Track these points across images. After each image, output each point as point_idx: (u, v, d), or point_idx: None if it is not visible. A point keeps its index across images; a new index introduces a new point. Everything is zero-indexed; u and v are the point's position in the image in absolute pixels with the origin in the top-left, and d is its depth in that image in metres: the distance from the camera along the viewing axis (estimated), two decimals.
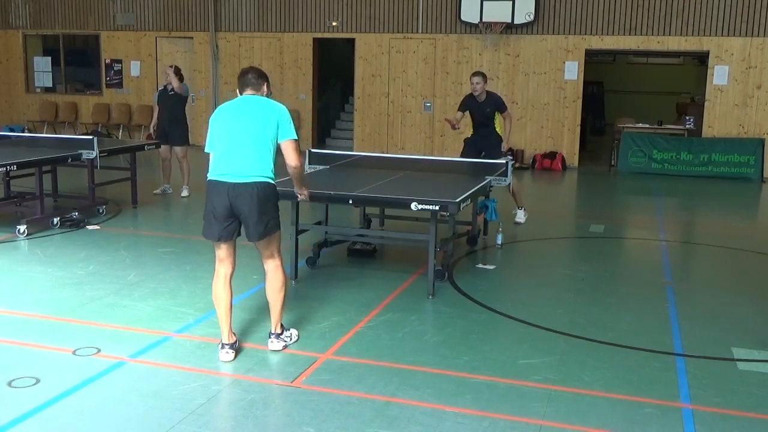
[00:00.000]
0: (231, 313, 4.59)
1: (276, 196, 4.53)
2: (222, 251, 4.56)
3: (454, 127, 8.33)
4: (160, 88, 10.42)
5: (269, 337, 4.68)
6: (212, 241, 4.55)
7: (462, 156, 8.58)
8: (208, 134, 4.59)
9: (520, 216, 8.91)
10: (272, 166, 4.47)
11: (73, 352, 4.53)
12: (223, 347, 4.51)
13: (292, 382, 4.20)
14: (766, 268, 7.52)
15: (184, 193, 10.29)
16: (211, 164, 4.50)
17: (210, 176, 4.49)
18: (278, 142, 4.47)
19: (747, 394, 4.25)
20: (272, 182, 4.47)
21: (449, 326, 5.26)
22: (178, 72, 10.02)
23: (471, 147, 8.60)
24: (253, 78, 4.61)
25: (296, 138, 4.51)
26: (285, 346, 4.67)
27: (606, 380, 4.36)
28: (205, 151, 4.61)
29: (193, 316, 5.29)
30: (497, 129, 8.56)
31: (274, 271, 4.59)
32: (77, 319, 5.17)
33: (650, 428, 3.79)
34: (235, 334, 4.62)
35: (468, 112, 8.61)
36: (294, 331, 4.85)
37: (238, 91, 4.71)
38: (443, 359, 4.62)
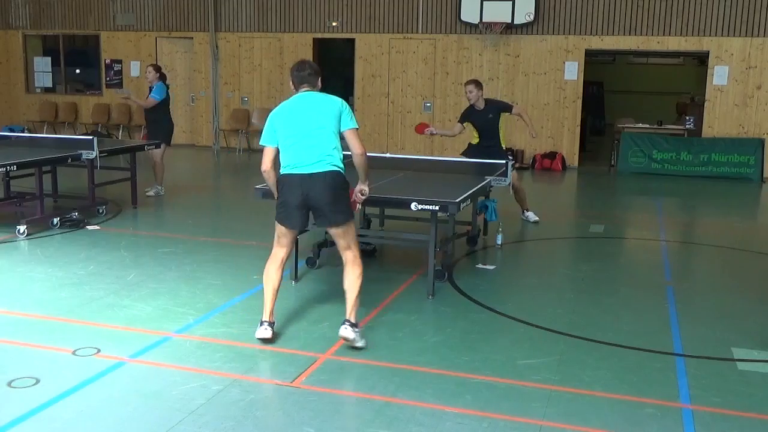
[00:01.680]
0: (276, 295, 4.79)
1: (347, 185, 4.74)
2: (287, 238, 4.82)
3: (422, 132, 8.23)
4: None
5: (343, 324, 4.64)
6: (285, 226, 4.76)
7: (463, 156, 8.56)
8: (268, 129, 4.77)
9: (532, 216, 8.90)
10: (341, 155, 4.70)
11: (73, 353, 4.53)
12: (262, 324, 4.72)
13: (292, 382, 4.20)
14: (766, 268, 7.52)
15: (150, 192, 10.10)
16: (282, 160, 4.70)
17: (282, 171, 4.71)
18: (341, 131, 4.68)
19: (747, 394, 4.25)
20: (342, 171, 4.69)
21: (449, 326, 5.26)
22: (158, 69, 10.07)
23: (478, 153, 8.41)
24: (311, 75, 4.79)
25: (358, 127, 4.74)
26: (355, 339, 4.62)
27: (606, 380, 4.36)
28: (261, 143, 4.81)
29: (193, 316, 5.29)
30: (502, 142, 8.45)
31: (352, 261, 4.76)
32: (77, 319, 5.17)
33: (650, 428, 3.79)
34: (273, 315, 4.79)
35: (470, 123, 8.45)
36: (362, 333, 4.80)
37: (292, 85, 4.87)
38: (443, 359, 4.62)
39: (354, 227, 4.80)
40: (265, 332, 4.70)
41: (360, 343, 4.67)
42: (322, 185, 4.59)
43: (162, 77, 10.07)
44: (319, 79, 4.82)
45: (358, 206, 5.09)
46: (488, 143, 8.42)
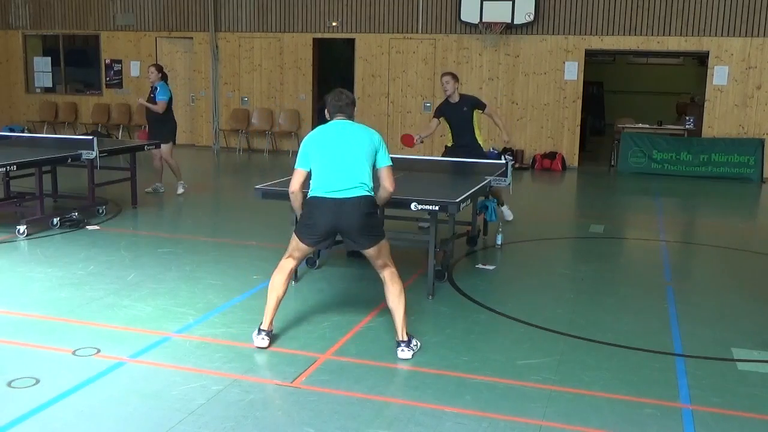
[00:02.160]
0: (279, 305, 4.79)
1: (377, 207, 4.81)
2: (301, 252, 4.82)
3: (412, 144, 8.06)
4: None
5: (398, 346, 4.65)
6: (305, 243, 4.74)
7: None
8: (302, 153, 4.79)
9: (507, 212, 8.80)
10: (371, 183, 4.73)
11: (73, 353, 4.53)
12: (260, 332, 4.71)
13: (291, 382, 4.20)
14: (766, 269, 7.52)
15: (180, 190, 10.30)
16: (315, 183, 4.70)
17: (312, 193, 4.70)
18: (377, 166, 4.78)
19: (747, 394, 4.25)
20: (373, 196, 4.74)
21: (449, 326, 5.26)
22: (160, 69, 10.10)
23: (454, 153, 8.20)
24: (347, 105, 4.88)
25: (392, 164, 4.84)
26: (413, 355, 4.63)
27: (606, 380, 4.36)
28: (295, 166, 4.82)
29: (193, 316, 5.29)
30: (478, 139, 8.23)
31: (390, 279, 4.75)
32: (77, 320, 5.17)
33: (650, 428, 3.79)
34: (272, 325, 4.79)
35: (443, 119, 8.19)
36: (419, 342, 4.79)
37: (327, 113, 4.91)
38: (443, 359, 4.62)
39: (388, 244, 4.79)
40: (262, 341, 4.69)
41: (418, 349, 4.74)
42: (356, 211, 4.59)
43: (164, 77, 10.09)
44: (355, 108, 4.93)
45: None
46: (463, 142, 8.15)
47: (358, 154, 4.66)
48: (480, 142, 8.28)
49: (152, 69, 10.12)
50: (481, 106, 8.30)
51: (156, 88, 10.02)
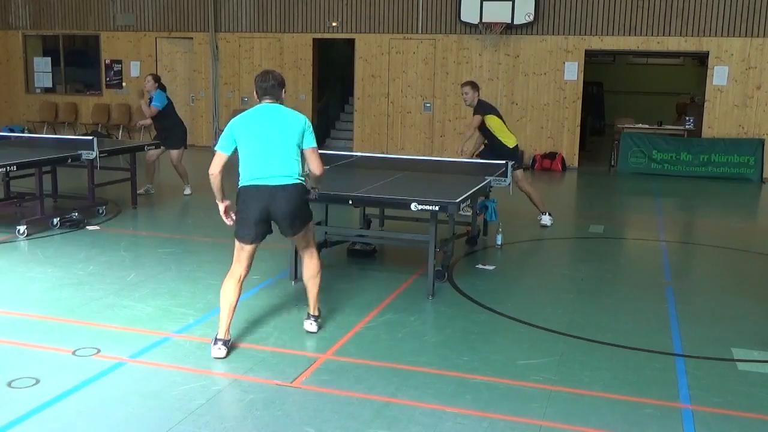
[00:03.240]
0: (233, 313, 4.66)
1: (307, 192, 4.82)
2: (245, 253, 4.70)
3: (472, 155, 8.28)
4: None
5: (307, 318, 5.03)
6: (244, 242, 4.66)
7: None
8: (225, 136, 4.73)
9: (547, 219, 8.78)
10: (300, 169, 4.72)
11: (73, 353, 4.53)
12: (216, 342, 4.57)
13: (291, 382, 4.20)
14: (766, 269, 7.52)
15: (187, 191, 10.35)
16: (244, 171, 4.68)
17: (244, 182, 4.67)
18: (303, 147, 4.72)
19: (747, 394, 4.25)
20: (302, 182, 4.74)
21: (449, 327, 5.26)
22: (157, 79, 10.09)
23: (485, 158, 8.32)
24: (274, 87, 4.76)
25: (316, 146, 4.79)
26: (319, 329, 5.02)
27: (606, 380, 4.36)
28: (215, 148, 4.77)
29: (193, 316, 5.30)
30: (503, 140, 8.28)
31: (309, 258, 4.97)
32: (77, 320, 5.17)
33: (650, 429, 3.79)
34: (229, 333, 4.65)
35: (493, 118, 8.27)
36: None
37: (256, 95, 4.79)
38: (443, 360, 4.62)
39: (312, 225, 5.02)
40: (219, 351, 4.53)
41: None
42: (287, 199, 4.59)
43: (161, 86, 10.10)
44: (283, 90, 4.82)
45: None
46: (491, 145, 8.39)
47: (288, 139, 4.63)
48: (505, 142, 8.31)
49: (149, 78, 10.09)
50: (474, 111, 8.27)
51: (152, 98, 10.01)
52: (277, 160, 4.61)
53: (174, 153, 10.19)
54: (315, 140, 4.78)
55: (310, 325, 5.00)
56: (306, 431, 3.64)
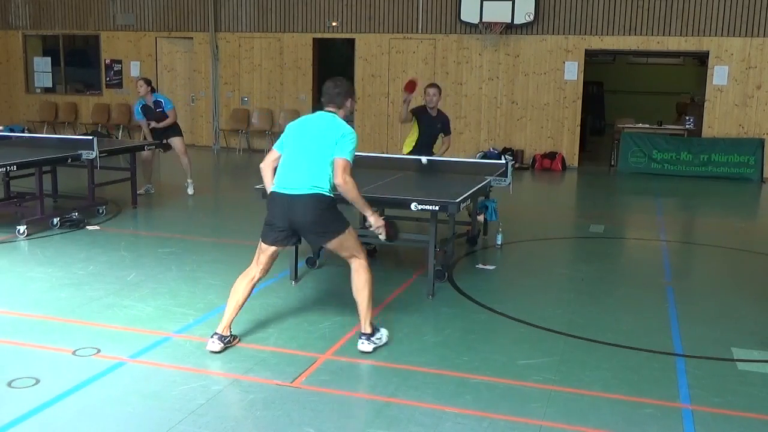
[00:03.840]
0: (238, 311, 4.69)
1: (331, 204, 4.58)
2: (264, 255, 4.68)
3: (413, 89, 7.89)
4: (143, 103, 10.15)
5: (359, 339, 4.67)
6: (264, 243, 4.67)
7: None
8: (282, 136, 4.74)
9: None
10: (330, 181, 4.54)
11: (73, 353, 4.53)
12: (213, 336, 4.59)
13: (291, 383, 4.19)
14: (766, 268, 7.52)
15: (190, 190, 10.31)
16: (276, 176, 4.67)
17: (272, 187, 4.66)
18: (332, 156, 4.52)
19: (747, 394, 4.25)
20: (326, 194, 4.53)
21: (449, 326, 5.26)
22: (149, 83, 10.12)
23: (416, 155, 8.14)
24: (339, 95, 4.66)
25: (348, 159, 4.50)
26: (375, 349, 4.64)
27: (606, 380, 4.36)
28: (274, 147, 4.78)
29: (193, 316, 5.29)
30: (434, 150, 8.25)
31: (355, 269, 4.69)
32: (77, 320, 5.17)
33: (650, 428, 3.79)
34: (230, 331, 4.67)
35: (417, 122, 8.12)
36: (384, 332, 4.80)
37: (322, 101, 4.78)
38: (443, 359, 4.62)
39: (350, 235, 4.64)
40: (213, 345, 4.54)
41: (383, 342, 4.73)
42: (303, 209, 4.48)
43: (153, 90, 10.16)
44: (349, 100, 4.68)
45: (383, 234, 4.89)
46: (425, 152, 8.09)
47: (320, 149, 4.50)
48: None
49: (141, 83, 10.06)
50: (448, 131, 8.32)
51: (161, 102, 10.04)
52: (302, 169, 4.50)
53: (179, 142, 10.23)
54: (349, 153, 4.50)
55: (362, 345, 4.63)
56: (306, 431, 3.64)
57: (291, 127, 4.72)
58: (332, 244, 4.62)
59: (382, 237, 4.88)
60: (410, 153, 8.20)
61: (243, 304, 4.70)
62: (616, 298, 6.21)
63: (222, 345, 4.57)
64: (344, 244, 4.62)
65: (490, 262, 7.26)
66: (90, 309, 5.39)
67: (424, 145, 8.15)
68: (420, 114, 8.14)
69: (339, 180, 4.49)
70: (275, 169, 4.70)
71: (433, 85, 8.28)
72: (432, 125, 8.15)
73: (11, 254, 7.02)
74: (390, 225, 4.91)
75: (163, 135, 10.16)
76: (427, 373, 4.39)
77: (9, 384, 4.07)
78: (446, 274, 6.36)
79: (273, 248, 4.66)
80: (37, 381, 4.11)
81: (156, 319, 5.22)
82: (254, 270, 4.70)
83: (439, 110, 8.26)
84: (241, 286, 4.68)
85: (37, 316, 5.24)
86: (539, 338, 5.09)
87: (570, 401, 4.07)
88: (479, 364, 4.56)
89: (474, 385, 4.23)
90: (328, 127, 4.56)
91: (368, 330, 4.66)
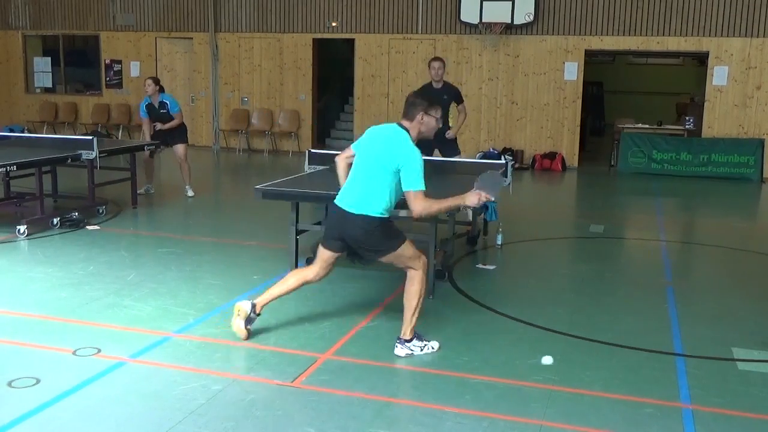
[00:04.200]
0: (274, 299, 4.83)
1: (382, 227, 4.46)
2: (320, 257, 4.72)
3: None
4: (148, 102, 10.11)
5: (397, 340, 4.65)
6: (321, 244, 4.74)
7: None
8: (361, 137, 4.71)
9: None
10: (385, 203, 4.44)
11: (73, 353, 4.53)
12: (248, 304, 4.74)
13: (292, 382, 4.19)
14: (766, 268, 7.52)
15: (190, 193, 10.26)
16: (343, 185, 4.70)
17: (336, 197, 4.65)
18: (403, 189, 4.41)
19: (747, 394, 4.25)
20: (378, 216, 4.42)
21: (449, 326, 5.25)
22: (157, 81, 10.05)
23: (426, 143, 8.39)
24: (412, 106, 4.52)
25: (421, 188, 4.32)
26: (409, 355, 4.60)
27: (606, 380, 4.36)
28: (351, 145, 4.81)
29: (193, 316, 5.29)
30: (450, 124, 8.34)
31: (409, 279, 4.59)
32: (77, 320, 5.17)
33: (650, 428, 3.79)
34: (260, 309, 4.80)
35: None
36: (433, 344, 4.71)
37: None
38: (443, 359, 4.62)
39: (405, 250, 4.51)
40: (239, 323, 4.73)
41: (420, 352, 4.64)
42: (351, 227, 4.45)
43: (161, 89, 10.08)
44: (421, 113, 4.48)
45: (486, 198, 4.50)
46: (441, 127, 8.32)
47: (378, 171, 4.40)
48: (453, 133, 8.40)
49: (149, 81, 9.99)
50: (460, 100, 8.49)
51: (166, 103, 9.96)
52: (359, 187, 4.47)
53: (181, 148, 10.15)
54: (418, 181, 4.31)
55: (396, 348, 4.62)
56: (306, 431, 3.64)
57: (367, 133, 4.65)
58: (386, 259, 4.56)
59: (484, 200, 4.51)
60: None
61: (283, 293, 4.79)
62: (616, 298, 6.21)
63: (244, 322, 4.72)
64: (399, 258, 4.55)
65: (490, 262, 7.26)
66: (90, 309, 5.39)
67: None
68: (423, 93, 8.24)
69: (417, 211, 4.37)
70: (350, 165, 4.69)
71: (437, 58, 8.46)
72: (438, 97, 8.23)
73: (11, 254, 7.02)
74: (486, 181, 4.55)
75: (168, 138, 10.11)
76: (427, 373, 4.39)
77: (9, 384, 4.06)
78: (446, 274, 6.37)
79: (329, 253, 4.67)
80: (38, 381, 4.11)
81: (156, 319, 5.22)
82: (311, 270, 4.76)
83: (445, 82, 8.39)
84: (291, 279, 4.78)
85: (37, 316, 5.23)
86: (539, 338, 5.09)
87: (570, 401, 4.07)
88: (479, 364, 4.56)
89: (474, 385, 4.23)
90: (392, 146, 4.41)
91: (407, 336, 4.62)
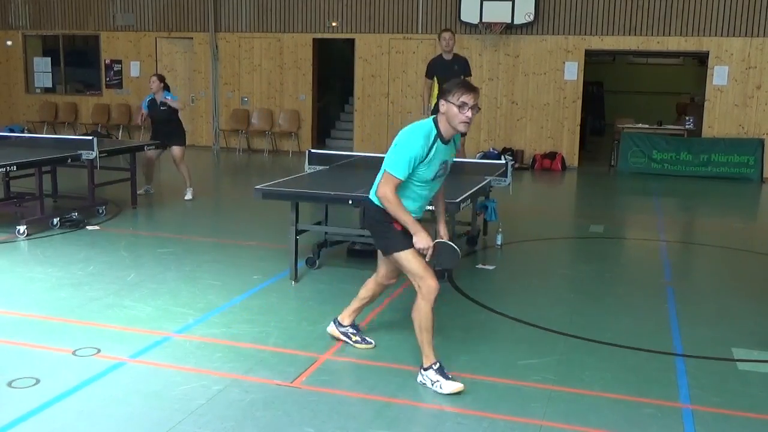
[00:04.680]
0: (360, 303, 4.75)
1: (378, 215, 4.20)
2: (379, 259, 4.61)
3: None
4: (152, 97, 10.05)
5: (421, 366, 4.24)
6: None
7: None
8: None
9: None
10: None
11: (73, 353, 4.53)
12: (334, 323, 4.79)
13: (291, 383, 4.19)
14: (766, 269, 7.52)
15: (188, 195, 10.06)
16: None
17: None
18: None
19: (747, 394, 4.24)
20: (375, 203, 4.21)
21: (449, 326, 5.25)
22: (162, 79, 9.99)
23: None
24: (442, 93, 4.16)
25: (394, 173, 4.02)
26: (426, 384, 4.14)
27: (606, 380, 4.36)
28: None
29: (193, 316, 5.29)
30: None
31: (415, 305, 4.16)
32: (77, 320, 5.17)
33: (650, 428, 3.79)
34: (350, 321, 4.78)
35: (435, 77, 8.43)
36: (451, 386, 4.07)
37: None
38: (443, 359, 4.59)
39: (401, 259, 4.15)
40: (330, 327, 4.82)
41: (442, 389, 4.09)
42: (361, 212, 4.46)
43: (166, 87, 10.02)
44: (443, 101, 4.06)
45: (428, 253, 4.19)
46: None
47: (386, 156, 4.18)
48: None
49: (154, 78, 9.94)
50: (469, 72, 8.62)
51: (167, 103, 9.87)
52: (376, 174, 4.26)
53: (178, 150, 10.01)
54: (393, 164, 4.02)
55: (418, 376, 4.21)
56: (306, 431, 3.64)
57: None
58: (388, 257, 4.29)
59: (427, 259, 4.15)
60: (434, 106, 8.46)
61: (366, 298, 4.74)
62: (616, 298, 6.21)
63: (336, 330, 4.75)
64: (401, 267, 4.23)
65: (490, 262, 7.26)
66: (90, 309, 5.39)
67: None
68: (435, 64, 8.49)
69: (379, 192, 4.09)
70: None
71: (447, 29, 8.68)
72: (449, 68, 8.45)
73: (11, 254, 7.02)
74: (442, 248, 4.20)
75: (166, 139, 10.06)
76: None
77: (9, 384, 4.06)
78: (446, 274, 6.36)
79: (379, 253, 4.51)
80: (38, 381, 4.11)
81: (156, 319, 5.22)
82: (376, 274, 4.69)
83: (455, 54, 8.47)
84: (369, 284, 4.71)
85: (37, 316, 5.24)
86: (539, 338, 5.09)
87: (570, 401, 4.07)
88: (479, 364, 4.56)
89: (474, 385, 4.23)
90: (401, 132, 4.16)
91: (426, 362, 4.17)
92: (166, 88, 10.05)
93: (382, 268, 4.57)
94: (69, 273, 6.32)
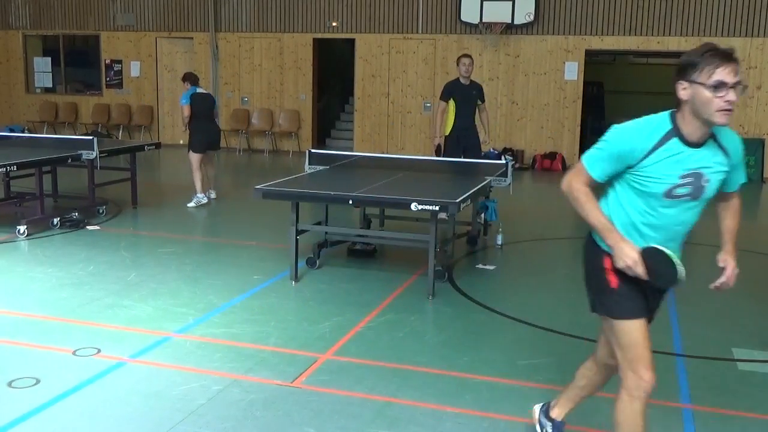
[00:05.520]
0: (575, 395, 3.58)
1: (587, 256, 3.20)
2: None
3: (439, 152, 8.41)
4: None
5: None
6: None
7: (444, 155, 8.54)
8: None
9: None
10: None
11: (74, 353, 4.53)
12: (540, 411, 3.62)
13: (292, 383, 4.19)
14: (766, 269, 7.52)
15: (191, 204, 9.49)
16: None
17: None
18: None
19: (747, 394, 4.24)
20: (592, 239, 3.24)
21: (449, 326, 5.25)
22: (184, 78, 9.74)
23: (455, 145, 8.54)
24: None
25: (584, 162, 3.21)
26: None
27: None
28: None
29: (193, 316, 5.29)
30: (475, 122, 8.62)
31: (618, 397, 2.98)
32: (77, 320, 5.17)
33: (650, 428, 3.78)
34: (560, 414, 3.59)
35: (452, 99, 8.48)
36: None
37: None
38: (443, 359, 4.62)
39: (623, 334, 2.97)
40: (533, 412, 3.67)
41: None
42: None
43: (193, 83, 9.66)
44: (684, 90, 2.99)
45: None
46: (466, 124, 8.53)
47: None
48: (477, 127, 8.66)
49: (182, 79, 9.73)
50: (483, 98, 8.74)
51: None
52: None
53: (190, 155, 9.61)
54: (591, 152, 3.19)
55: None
56: (306, 431, 3.64)
57: None
58: (606, 326, 3.09)
59: (643, 278, 2.97)
60: (451, 131, 8.55)
61: (585, 387, 3.51)
62: None
63: (537, 416, 3.61)
64: (613, 336, 3.01)
65: (491, 262, 7.26)
66: (90, 309, 5.39)
67: (464, 116, 8.51)
68: (453, 88, 8.52)
69: (563, 183, 3.23)
70: None
71: (467, 55, 8.66)
72: (468, 94, 8.52)
73: (11, 254, 7.02)
74: (654, 258, 3.06)
75: (189, 143, 9.77)
76: (428, 373, 4.39)
77: (9, 384, 4.06)
78: (446, 274, 6.37)
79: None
80: (38, 381, 4.11)
81: (156, 319, 5.22)
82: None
83: (471, 80, 8.53)
84: (586, 367, 3.49)
85: (37, 316, 5.24)
86: (539, 338, 5.09)
87: None
88: (479, 364, 4.56)
89: (474, 385, 4.23)
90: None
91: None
92: (194, 84, 9.67)
93: (603, 345, 3.26)
94: (69, 273, 6.32)
